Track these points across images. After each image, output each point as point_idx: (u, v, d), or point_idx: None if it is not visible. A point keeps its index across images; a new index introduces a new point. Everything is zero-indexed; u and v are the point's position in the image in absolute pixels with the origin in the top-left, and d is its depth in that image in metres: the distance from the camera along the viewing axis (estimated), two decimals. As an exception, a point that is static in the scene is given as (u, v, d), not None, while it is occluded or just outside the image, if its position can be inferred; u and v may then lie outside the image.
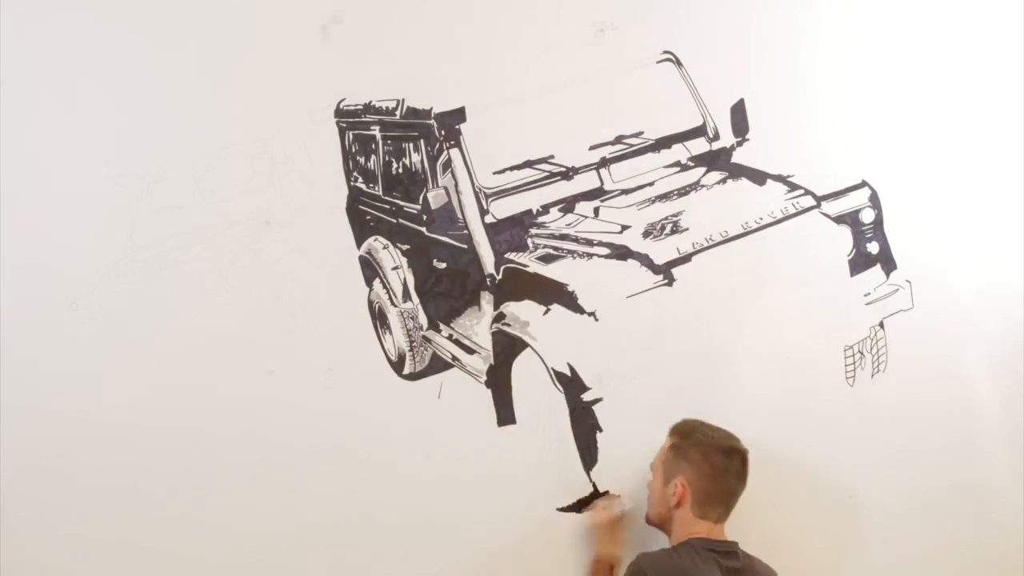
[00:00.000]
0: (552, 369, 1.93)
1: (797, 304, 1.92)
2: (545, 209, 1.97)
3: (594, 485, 1.99)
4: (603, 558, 1.90)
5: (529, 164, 1.96)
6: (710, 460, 1.77)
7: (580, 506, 1.99)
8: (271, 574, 1.88)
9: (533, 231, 1.97)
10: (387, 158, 1.96)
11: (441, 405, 1.95)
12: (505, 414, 1.97)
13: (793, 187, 2.06)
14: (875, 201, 2.11)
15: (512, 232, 1.95)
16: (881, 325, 2.13)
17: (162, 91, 1.81)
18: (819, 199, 2.05)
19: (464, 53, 1.94)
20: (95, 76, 1.78)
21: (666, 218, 1.99)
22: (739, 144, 2.07)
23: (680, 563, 1.67)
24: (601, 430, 1.97)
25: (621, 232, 1.96)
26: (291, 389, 1.87)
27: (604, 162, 2.00)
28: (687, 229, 1.98)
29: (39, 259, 1.76)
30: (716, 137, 2.06)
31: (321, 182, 1.89)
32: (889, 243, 2.12)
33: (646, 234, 1.98)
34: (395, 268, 1.95)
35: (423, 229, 1.94)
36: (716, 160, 2.05)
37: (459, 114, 1.91)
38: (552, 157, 1.97)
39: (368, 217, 1.94)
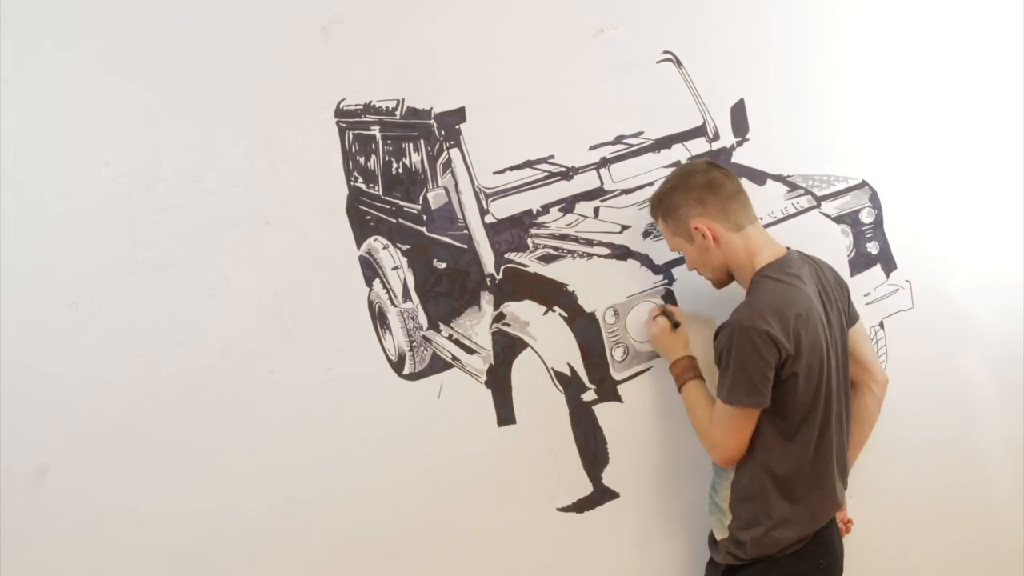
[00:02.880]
0: (552, 369, 1.93)
1: (797, 304, 1.92)
2: (545, 209, 1.97)
3: (595, 485, 1.99)
4: (678, 359, 1.86)
5: (529, 164, 1.96)
6: (690, 186, 1.75)
7: (580, 506, 1.99)
8: (271, 572, 1.88)
9: (533, 231, 1.97)
10: (387, 158, 1.96)
11: (441, 405, 1.95)
12: (505, 414, 1.97)
13: (793, 187, 2.06)
14: (875, 201, 2.11)
15: (512, 232, 1.95)
16: (881, 325, 2.13)
17: (162, 91, 1.80)
18: (819, 199, 2.05)
19: (464, 53, 1.94)
20: (95, 76, 1.78)
21: (666, 218, 1.99)
22: (739, 144, 2.07)
23: (781, 298, 1.66)
24: (602, 430, 1.97)
25: (621, 232, 1.96)
26: (291, 389, 1.86)
27: (604, 162, 2.00)
28: (687, 229, 1.98)
29: (39, 259, 1.75)
30: (716, 137, 2.06)
31: (321, 182, 1.89)
32: (889, 243, 2.12)
33: (646, 234, 1.98)
34: (395, 268, 1.95)
35: (423, 229, 1.94)
36: (716, 160, 2.05)
37: (459, 114, 1.91)
38: (552, 157, 1.97)
39: (368, 217, 1.94)
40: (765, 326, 1.61)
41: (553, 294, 1.91)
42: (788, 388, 1.66)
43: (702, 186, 1.74)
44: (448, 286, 1.96)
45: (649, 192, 1.99)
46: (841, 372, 1.77)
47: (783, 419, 1.69)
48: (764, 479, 1.71)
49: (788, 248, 1.79)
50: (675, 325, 1.88)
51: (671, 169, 2.02)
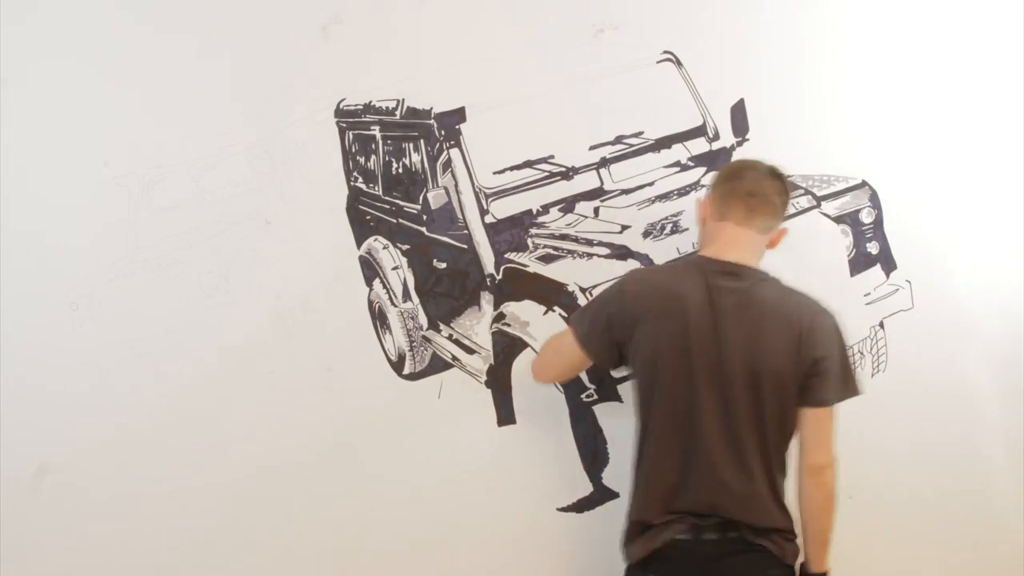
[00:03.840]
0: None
1: (797, 304, 1.92)
2: (545, 209, 1.96)
3: (595, 485, 1.99)
4: None
5: (529, 164, 1.96)
6: (725, 172, 1.73)
7: (580, 506, 1.99)
8: (271, 573, 1.88)
9: (533, 231, 1.97)
10: (387, 158, 1.96)
11: (441, 405, 1.95)
12: (505, 414, 1.97)
13: (793, 187, 2.06)
14: (875, 201, 2.11)
15: (512, 232, 1.95)
16: (881, 325, 2.13)
17: (162, 91, 1.81)
18: (819, 199, 2.05)
19: (464, 53, 1.94)
20: (95, 76, 1.78)
21: (666, 218, 1.99)
22: (739, 144, 2.07)
23: (655, 272, 1.68)
24: (602, 430, 1.97)
25: (621, 232, 1.96)
26: (291, 389, 1.87)
27: (604, 162, 2.00)
28: (687, 229, 1.98)
29: (39, 259, 1.76)
30: (716, 137, 2.06)
31: (321, 182, 1.89)
32: (889, 243, 2.12)
33: (646, 234, 1.98)
34: (395, 268, 1.95)
35: (423, 229, 1.94)
36: (716, 160, 2.05)
37: (459, 114, 1.91)
38: (552, 157, 1.97)
39: (368, 217, 1.94)
40: (629, 282, 1.68)
41: (553, 294, 1.91)
42: (628, 358, 1.66)
43: (728, 173, 1.72)
44: (448, 286, 1.96)
45: (649, 192, 1.99)
46: (723, 389, 1.59)
47: (636, 396, 1.67)
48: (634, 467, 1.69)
49: (748, 267, 1.65)
50: None
51: (671, 169, 2.03)
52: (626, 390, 1.97)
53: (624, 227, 1.97)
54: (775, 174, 1.71)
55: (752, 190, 1.66)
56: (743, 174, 1.70)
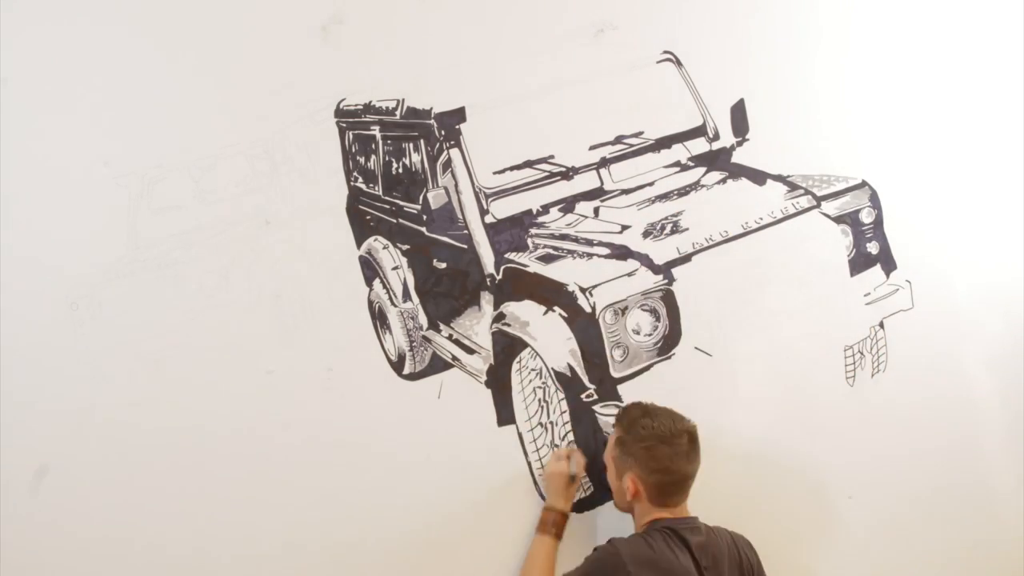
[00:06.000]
0: (552, 369, 1.93)
1: (797, 304, 1.92)
2: (545, 209, 1.96)
3: (595, 485, 1.99)
4: (552, 508, 1.88)
5: (529, 164, 1.96)
6: (655, 454, 1.72)
7: (580, 506, 1.99)
8: (270, 573, 1.88)
9: (533, 231, 1.97)
10: (387, 158, 1.96)
11: (441, 405, 1.95)
12: (505, 414, 1.97)
13: (793, 187, 2.06)
14: (875, 201, 2.11)
15: (512, 232, 1.95)
16: (881, 325, 2.13)
17: (162, 91, 1.81)
18: (819, 199, 2.05)
19: (464, 53, 1.94)
20: (95, 76, 1.78)
21: (666, 218, 1.99)
22: (739, 144, 2.07)
23: (655, 547, 1.67)
24: (602, 430, 1.97)
25: (621, 232, 1.96)
26: (291, 389, 1.86)
27: (604, 162, 2.00)
28: (687, 229, 1.98)
29: (39, 259, 1.75)
30: (716, 137, 2.06)
31: (321, 182, 1.89)
32: (889, 243, 2.12)
33: (646, 234, 1.98)
34: (395, 268, 1.95)
35: (423, 229, 1.94)
36: (716, 160, 2.05)
37: (459, 114, 1.91)
38: (552, 157, 1.97)
39: (368, 217, 1.94)
40: (632, 566, 1.62)
41: (553, 294, 1.91)
42: None
43: (662, 460, 1.72)
44: (448, 286, 1.96)
45: (649, 192, 1.99)
46: None
47: None
48: None
49: (695, 518, 1.76)
50: (572, 478, 1.88)
51: (671, 169, 2.03)
52: (626, 390, 1.98)
53: (624, 227, 1.97)
54: (694, 439, 1.76)
55: (685, 474, 1.73)
56: (670, 471, 1.71)
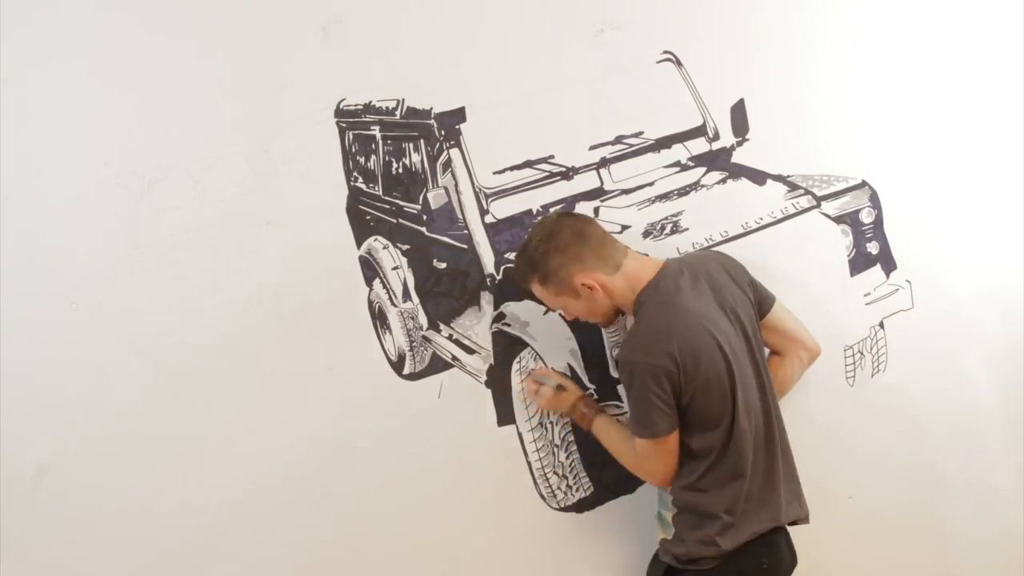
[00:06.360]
0: (552, 369, 1.93)
1: (797, 304, 1.92)
2: (545, 209, 1.96)
3: (595, 485, 1.99)
4: (576, 402, 1.87)
5: (529, 164, 1.96)
6: (561, 245, 1.68)
7: (580, 506, 1.99)
8: (270, 573, 1.88)
9: (533, 231, 1.97)
10: (387, 158, 1.96)
11: (441, 405, 1.95)
12: (505, 414, 1.97)
13: (793, 187, 2.06)
14: (875, 201, 2.11)
15: (512, 232, 1.95)
16: (881, 325, 2.13)
17: (162, 91, 1.80)
18: (819, 199, 2.05)
19: (464, 53, 1.94)
20: (95, 76, 1.78)
21: (666, 218, 1.99)
22: (739, 144, 2.07)
23: (664, 316, 1.66)
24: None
25: (621, 232, 1.96)
26: (291, 389, 1.87)
27: (604, 162, 2.00)
28: (687, 229, 1.98)
29: (39, 259, 1.75)
30: (716, 137, 2.06)
31: (321, 182, 1.89)
32: (889, 243, 2.12)
33: (646, 234, 1.98)
34: (395, 268, 1.95)
35: (423, 229, 1.94)
36: (716, 160, 2.05)
37: (459, 114, 1.91)
38: (552, 157, 1.97)
39: (368, 217, 1.94)
40: (655, 359, 1.61)
41: (553, 294, 1.91)
42: (692, 406, 1.65)
43: (573, 242, 1.69)
44: (448, 286, 1.96)
45: (649, 192, 1.99)
46: (750, 368, 1.73)
47: (687, 435, 1.68)
48: (686, 496, 1.72)
49: (666, 261, 1.77)
50: (558, 387, 1.87)
51: (671, 169, 2.03)
52: (626, 390, 1.98)
53: (624, 227, 1.97)
54: (571, 214, 1.84)
55: (600, 234, 1.72)
56: (583, 236, 1.70)
